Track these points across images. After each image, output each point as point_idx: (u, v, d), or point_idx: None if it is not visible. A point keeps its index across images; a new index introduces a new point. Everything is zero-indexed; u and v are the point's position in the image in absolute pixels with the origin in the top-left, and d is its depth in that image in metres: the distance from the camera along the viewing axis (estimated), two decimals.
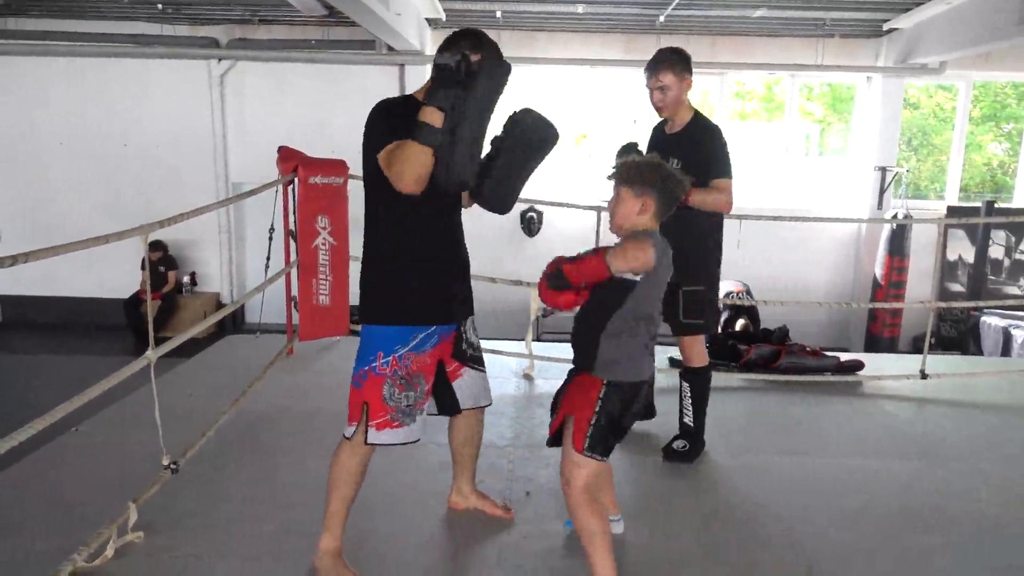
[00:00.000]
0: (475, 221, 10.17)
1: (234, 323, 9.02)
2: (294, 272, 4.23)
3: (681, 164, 2.69)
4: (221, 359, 4.48)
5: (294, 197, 4.10)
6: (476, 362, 2.42)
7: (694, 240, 2.95)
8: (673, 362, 4.56)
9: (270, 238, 4.40)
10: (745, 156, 9.64)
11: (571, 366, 2.23)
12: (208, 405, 3.29)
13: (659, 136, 3.17)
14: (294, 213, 4.12)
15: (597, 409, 2.08)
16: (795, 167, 9.74)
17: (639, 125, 8.23)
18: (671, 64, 2.94)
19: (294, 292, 4.26)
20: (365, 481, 2.26)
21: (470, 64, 2.04)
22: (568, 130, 9.41)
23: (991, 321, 8.71)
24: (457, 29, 2.26)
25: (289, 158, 4.10)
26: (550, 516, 2.67)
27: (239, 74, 9.19)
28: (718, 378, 4.11)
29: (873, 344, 9.04)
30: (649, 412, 3.41)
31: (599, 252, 2.04)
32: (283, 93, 9.22)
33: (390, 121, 2.13)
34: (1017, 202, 9.97)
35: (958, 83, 9.67)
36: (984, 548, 2.59)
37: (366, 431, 2.18)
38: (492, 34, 2.26)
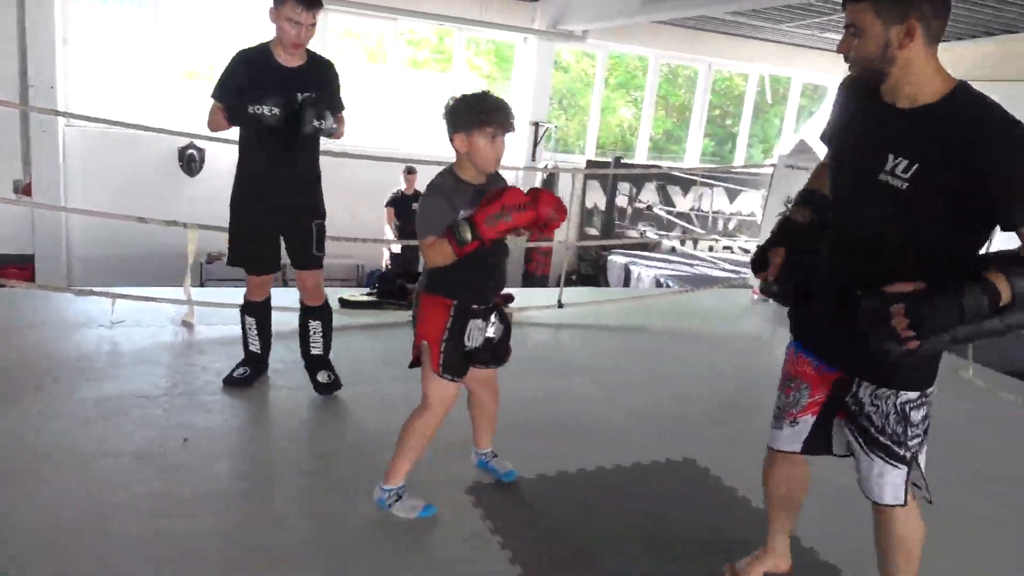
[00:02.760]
0: (124, 156, 9.01)
1: None
2: None
3: (316, 98, 2.82)
4: None
5: None
6: None
7: (316, 175, 3.07)
8: (345, 303, 4.65)
9: None
10: (419, 104, 9.98)
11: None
12: None
13: (274, 67, 2.89)
14: None
15: None
16: None
17: None
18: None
19: None
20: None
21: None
22: None
23: (616, 259, 10.34)
24: None
25: None
26: (208, 458, 2.64)
27: None
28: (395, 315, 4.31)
29: (529, 280, 10.14)
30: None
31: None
32: None
33: None
34: (639, 159, 11.81)
35: (597, 52, 11.03)
36: (604, 444, 3.10)
37: None
38: None
